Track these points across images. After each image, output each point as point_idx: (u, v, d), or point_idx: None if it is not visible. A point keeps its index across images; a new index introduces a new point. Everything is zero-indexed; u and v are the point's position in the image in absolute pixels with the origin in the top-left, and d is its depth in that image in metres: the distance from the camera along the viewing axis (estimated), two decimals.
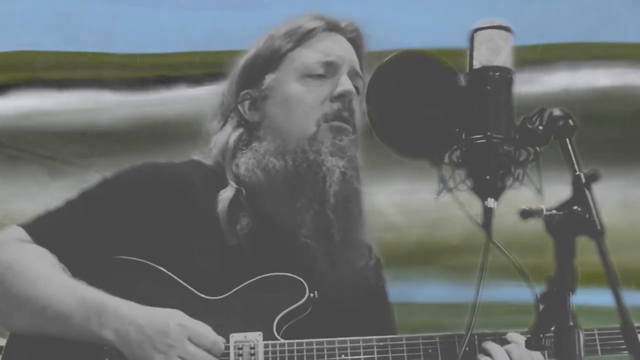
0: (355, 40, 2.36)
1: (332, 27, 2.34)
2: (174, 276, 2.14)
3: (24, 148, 3.69)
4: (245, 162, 2.24)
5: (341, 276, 2.20)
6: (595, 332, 2.10)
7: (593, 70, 3.70)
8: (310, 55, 2.28)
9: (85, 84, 3.71)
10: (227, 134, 2.29)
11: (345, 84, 2.24)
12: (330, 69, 2.27)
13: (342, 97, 2.23)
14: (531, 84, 3.57)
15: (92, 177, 3.46)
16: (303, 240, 2.18)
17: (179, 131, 3.54)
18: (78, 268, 2.14)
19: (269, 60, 2.29)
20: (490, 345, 2.06)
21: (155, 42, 3.70)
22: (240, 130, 2.29)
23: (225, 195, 2.21)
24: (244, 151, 2.26)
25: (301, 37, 2.29)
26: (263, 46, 2.31)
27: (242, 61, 2.35)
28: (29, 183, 3.66)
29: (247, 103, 2.30)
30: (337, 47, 2.31)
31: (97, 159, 3.62)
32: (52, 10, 3.71)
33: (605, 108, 3.65)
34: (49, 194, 3.59)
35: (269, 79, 2.28)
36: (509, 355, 2.03)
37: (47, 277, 2.10)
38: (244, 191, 2.22)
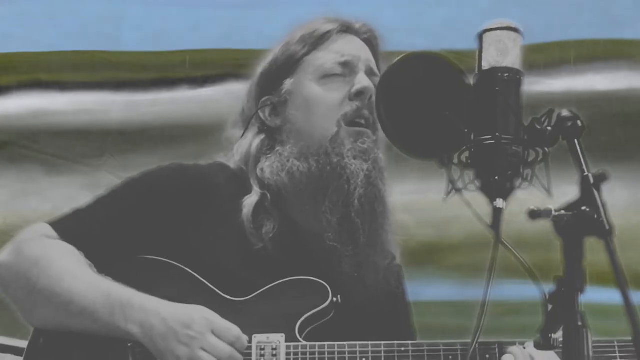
0: (370, 40, 2.37)
1: (347, 28, 2.35)
2: (198, 277, 2.15)
3: (30, 147, 3.70)
4: (270, 165, 2.25)
5: (365, 278, 2.21)
6: (615, 343, 2.08)
7: (595, 72, 3.69)
8: (326, 57, 2.29)
9: (93, 84, 3.72)
10: (248, 141, 2.30)
11: (362, 81, 2.25)
12: (347, 68, 2.29)
13: (361, 94, 2.24)
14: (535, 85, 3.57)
15: (103, 177, 3.49)
16: (329, 243, 2.19)
17: (189, 131, 3.55)
18: (104, 266, 2.15)
19: (286, 65, 2.31)
20: (513, 349, 2.06)
21: (163, 42, 3.71)
22: (262, 136, 2.30)
23: (250, 200, 2.22)
24: (268, 155, 2.27)
25: (316, 41, 2.31)
26: (279, 52, 2.33)
27: (259, 69, 2.36)
28: (36, 181, 3.66)
29: (267, 109, 2.32)
30: (352, 47, 2.32)
31: (108, 159, 3.62)
32: (60, 11, 3.72)
33: (608, 109, 3.65)
34: (56, 192, 3.60)
35: (287, 83, 2.29)
36: (531, 357, 2.03)
37: (73, 272, 2.11)
38: (268, 195, 2.22)
